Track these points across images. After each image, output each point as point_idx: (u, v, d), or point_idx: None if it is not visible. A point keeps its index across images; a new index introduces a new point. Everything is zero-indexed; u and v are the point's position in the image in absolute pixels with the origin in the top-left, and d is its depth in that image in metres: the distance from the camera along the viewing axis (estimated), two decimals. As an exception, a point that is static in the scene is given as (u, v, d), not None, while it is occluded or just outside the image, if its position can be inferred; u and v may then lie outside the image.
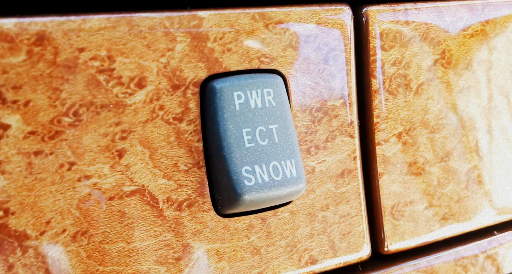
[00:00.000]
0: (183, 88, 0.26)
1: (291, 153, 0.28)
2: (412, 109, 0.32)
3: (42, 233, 0.24)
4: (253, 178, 0.26)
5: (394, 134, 0.32)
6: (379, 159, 0.31)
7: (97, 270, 0.25)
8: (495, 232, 0.36)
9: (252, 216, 0.28)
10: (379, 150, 0.31)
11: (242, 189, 0.26)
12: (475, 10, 0.35)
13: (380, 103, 0.31)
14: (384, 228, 0.32)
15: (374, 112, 0.31)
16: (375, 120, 0.31)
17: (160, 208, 0.26)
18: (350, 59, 0.30)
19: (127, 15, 0.25)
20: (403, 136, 0.32)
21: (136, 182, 0.26)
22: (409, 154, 0.32)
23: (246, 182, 0.26)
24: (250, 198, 0.26)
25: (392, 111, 0.32)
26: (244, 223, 0.28)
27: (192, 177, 0.27)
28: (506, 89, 0.36)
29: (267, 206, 0.28)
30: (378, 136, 0.31)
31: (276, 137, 0.27)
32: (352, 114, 0.30)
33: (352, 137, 0.31)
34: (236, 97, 0.27)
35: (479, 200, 0.35)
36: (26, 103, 0.24)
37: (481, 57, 0.35)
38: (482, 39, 0.35)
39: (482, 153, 0.35)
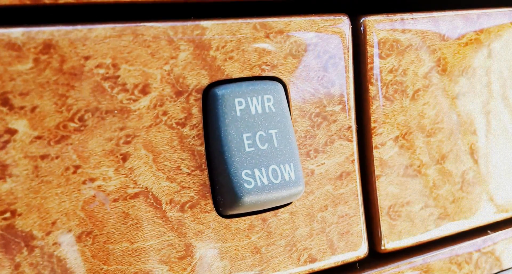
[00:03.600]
0: (186, 94, 0.24)
1: (290, 157, 0.25)
2: (409, 114, 0.30)
3: (48, 234, 0.22)
4: (252, 181, 0.24)
5: (391, 138, 0.30)
6: (376, 162, 0.29)
7: (102, 269, 0.23)
8: (489, 231, 0.33)
9: (253, 216, 0.26)
10: (376, 153, 0.29)
11: (242, 192, 0.24)
12: (470, 20, 0.32)
13: (378, 108, 0.29)
14: (381, 227, 0.29)
15: (371, 117, 0.29)
16: (373, 125, 0.29)
17: (163, 209, 0.24)
18: (349, 66, 0.28)
19: (132, 25, 0.23)
20: (400, 140, 0.30)
21: (139, 184, 0.24)
22: (406, 157, 0.30)
23: (246, 185, 0.24)
24: (250, 200, 0.24)
25: (389, 116, 0.29)
26: (245, 224, 0.26)
27: (195, 180, 0.25)
28: (500, 95, 0.33)
29: (267, 208, 0.26)
30: (376, 140, 0.29)
31: (275, 142, 0.25)
32: (350, 119, 0.28)
33: (350, 140, 0.28)
34: (237, 104, 0.25)
35: (474, 200, 0.32)
36: (33, 109, 0.22)
37: (476, 65, 0.32)
38: (477, 47, 0.32)
39: (476, 155, 0.32)
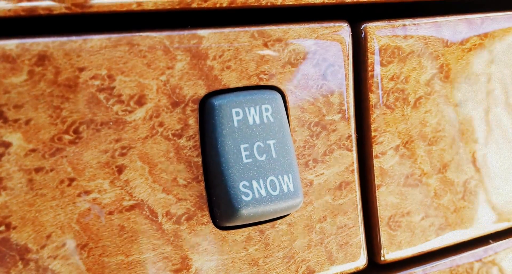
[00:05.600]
0: (183, 105, 0.25)
1: (289, 168, 0.26)
2: (410, 123, 0.30)
3: (43, 247, 0.23)
4: (250, 192, 0.25)
5: (392, 147, 0.30)
6: (376, 171, 0.29)
7: (97, 282, 0.24)
8: (490, 240, 0.34)
9: (251, 228, 0.26)
10: (376, 163, 0.29)
11: (239, 204, 0.24)
12: (474, 24, 0.32)
13: (378, 117, 0.29)
14: (381, 238, 0.30)
15: (372, 126, 0.29)
16: (373, 133, 0.29)
17: (159, 221, 0.25)
18: (349, 74, 0.28)
19: (128, 35, 0.24)
20: (401, 149, 0.30)
21: (135, 196, 0.24)
22: (407, 166, 0.30)
23: (243, 197, 0.25)
24: (247, 212, 0.25)
25: (390, 125, 0.30)
26: (242, 235, 0.26)
27: (191, 191, 0.25)
28: (504, 102, 0.33)
29: (264, 219, 0.26)
30: (376, 149, 0.29)
31: (273, 152, 0.26)
32: (350, 128, 0.29)
33: (350, 150, 0.29)
34: (235, 114, 0.25)
35: (475, 209, 0.33)
36: (27, 122, 0.22)
37: (479, 71, 0.32)
38: (481, 53, 0.32)
39: (479, 164, 0.33)
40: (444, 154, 0.31)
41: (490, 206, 0.33)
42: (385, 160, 0.30)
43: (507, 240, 0.34)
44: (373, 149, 0.29)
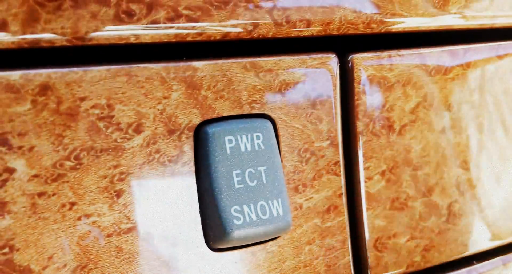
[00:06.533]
0: (178, 133, 0.26)
1: (278, 193, 0.27)
2: (395, 149, 0.32)
3: (44, 268, 0.24)
4: (241, 217, 0.26)
5: (378, 172, 0.31)
6: (363, 196, 0.31)
7: (95, 302, 0.25)
8: (474, 262, 0.35)
9: (243, 250, 0.28)
10: (363, 187, 0.31)
11: (231, 227, 0.26)
12: (457, 55, 0.34)
13: (365, 143, 0.31)
14: (368, 259, 0.31)
15: (359, 152, 0.31)
16: (360, 159, 0.31)
17: (155, 243, 0.26)
18: (337, 103, 0.30)
19: (126, 66, 0.25)
20: (387, 174, 0.32)
21: (132, 219, 0.25)
22: (393, 190, 0.32)
23: (235, 221, 0.26)
24: (239, 235, 0.26)
25: (376, 151, 0.31)
26: (234, 257, 0.28)
27: (186, 215, 0.26)
28: (486, 129, 0.35)
29: (255, 242, 0.27)
30: (363, 174, 0.31)
31: (264, 178, 0.27)
32: (338, 154, 0.30)
33: (338, 175, 0.30)
34: (227, 142, 0.27)
35: (460, 231, 0.34)
36: (31, 149, 0.24)
37: (462, 99, 0.34)
38: (463, 82, 0.34)
39: (463, 187, 0.34)
40: (429, 178, 0.33)
41: (474, 228, 0.35)
42: (371, 184, 0.31)
43: (491, 260, 0.35)
44: (360, 174, 0.31)
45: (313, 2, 0.28)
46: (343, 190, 0.30)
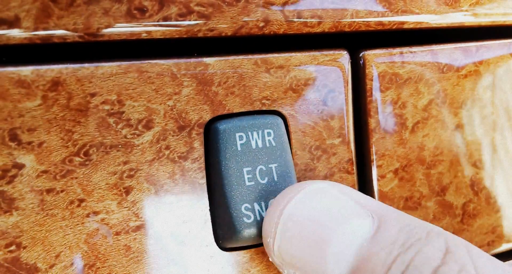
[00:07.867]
0: (188, 129, 0.26)
1: (290, 190, 0.27)
2: (408, 147, 0.31)
3: (51, 266, 0.24)
4: (252, 215, 0.26)
5: (391, 170, 0.31)
6: (376, 194, 0.31)
7: (104, 301, 0.25)
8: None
9: (253, 249, 0.27)
10: (376, 186, 0.31)
11: (241, 226, 0.26)
12: (469, 52, 0.34)
13: (377, 141, 0.31)
14: (381, 259, 0.31)
15: (371, 149, 0.31)
16: (372, 157, 0.31)
17: (164, 242, 0.26)
18: (348, 100, 0.30)
19: (137, 62, 0.25)
20: (400, 172, 0.31)
21: (141, 217, 0.25)
22: (406, 189, 0.31)
23: (245, 219, 0.26)
24: (249, 234, 0.26)
25: (388, 149, 0.31)
26: (244, 256, 0.27)
27: (196, 213, 0.26)
28: (499, 127, 0.35)
29: (266, 240, 0.27)
30: (376, 172, 0.31)
31: (275, 175, 0.27)
32: (350, 152, 0.30)
33: (350, 173, 0.30)
34: (238, 138, 0.26)
35: (474, 232, 0.34)
36: (40, 144, 0.23)
37: (475, 96, 0.34)
38: (476, 79, 0.34)
39: (477, 187, 0.34)
40: (443, 177, 0.33)
41: (490, 229, 0.34)
42: (384, 183, 0.31)
43: (508, 262, 0.35)
44: (372, 172, 0.31)
45: (324, -2, 0.28)
46: (356, 188, 0.30)
